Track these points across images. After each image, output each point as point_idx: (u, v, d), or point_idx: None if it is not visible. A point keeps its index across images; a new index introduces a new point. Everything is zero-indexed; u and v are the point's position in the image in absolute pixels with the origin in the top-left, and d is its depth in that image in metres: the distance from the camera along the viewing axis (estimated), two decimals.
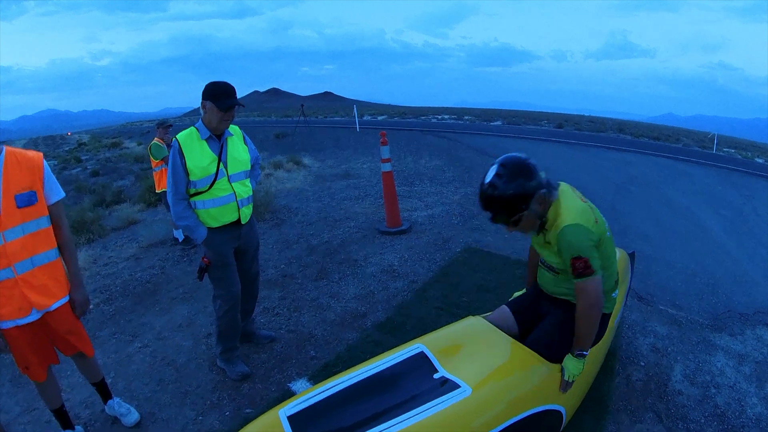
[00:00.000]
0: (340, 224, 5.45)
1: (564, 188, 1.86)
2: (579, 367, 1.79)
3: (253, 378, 2.73)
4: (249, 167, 2.65)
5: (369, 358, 1.89)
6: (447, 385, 1.61)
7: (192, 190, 2.43)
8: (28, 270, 1.83)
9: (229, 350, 2.76)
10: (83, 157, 17.23)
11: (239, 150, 2.58)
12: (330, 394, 1.65)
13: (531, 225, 1.81)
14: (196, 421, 2.40)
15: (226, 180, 2.47)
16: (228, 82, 2.44)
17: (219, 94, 2.35)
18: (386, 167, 4.83)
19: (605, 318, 1.98)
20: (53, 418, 2.23)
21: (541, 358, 1.80)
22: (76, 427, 2.30)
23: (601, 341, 2.12)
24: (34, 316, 1.88)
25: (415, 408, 1.53)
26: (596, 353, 2.13)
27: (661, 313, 3.44)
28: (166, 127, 5.26)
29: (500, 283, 3.64)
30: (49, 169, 1.96)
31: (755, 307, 3.68)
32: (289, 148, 13.46)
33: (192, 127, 2.46)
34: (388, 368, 1.73)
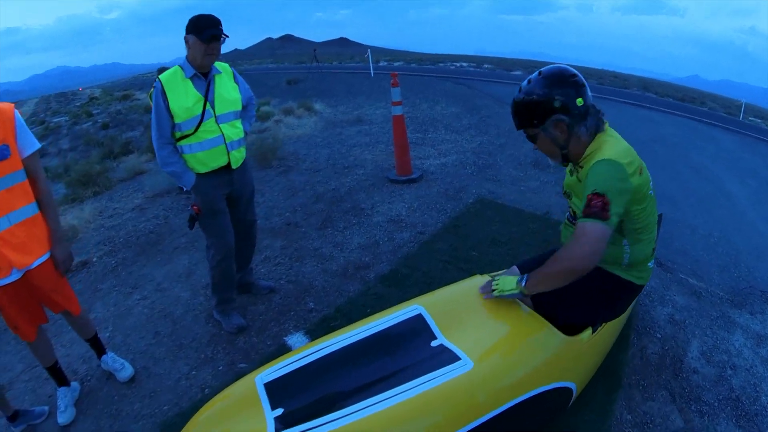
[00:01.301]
0: (349, 172, 5.17)
1: (611, 130, 1.57)
2: (512, 287, 1.52)
3: (249, 331, 2.61)
4: (239, 107, 2.39)
5: (365, 317, 1.69)
6: (445, 356, 1.39)
7: (177, 134, 2.22)
8: (5, 228, 1.70)
9: (225, 302, 2.63)
10: (94, 111, 17.10)
11: (228, 88, 2.32)
12: (313, 359, 1.46)
13: (548, 150, 1.58)
14: (189, 376, 2.31)
15: (213, 121, 2.24)
16: (213, 15, 2.16)
17: (201, 26, 2.10)
18: (397, 110, 4.44)
19: (634, 289, 1.69)
20: None
21: (554, 329, 1.54)
22: (72, 383, 2.24)
23: (621, 316, 1.88)
24: (15, 276, 1.77)
25: (406, 382, 1.32)
26: (614, 327, 1.89)
27: (681, 282, 3.18)
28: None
29: (513, 237, 3.37)
30: (21, 120, 1.79)
31: None
32: (300, 94, 12.94)
33: (176, 66, 2.21)
34: (379, 332, 1.52)
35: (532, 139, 1.59)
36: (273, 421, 1.26)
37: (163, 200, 4.87)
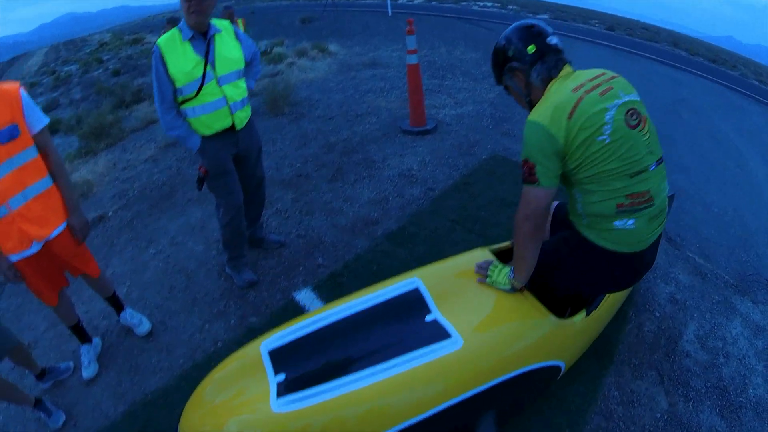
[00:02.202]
0: (362, 120, 5.01)
1: (566, 73, 1.46)
2: (504, 282, 1.53)
3: (260, 285, 2.67)
4: (242, 66, 2.28)
5: (372, 276, 1.70)
6: (437, 332, 1.39)
7: (179, 98, 2.15)
8: (21, 204, 1.75)
9: (236, 258, 2.67)
10: (105, 58, 16.75)
11: (229, 47, 2.20)
12: (315, 329, 1.48)
13: (519, 101, 1.63)
14: (202, 330, 2.41)
15: (214, 83, 2.15)
16: None
17: None
18: (412, 59, 4.17)
19: (612, 258, 1.47)
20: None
21: (546, 311, 1.51)
22: (93, 339, 2.37)
23: (615, 297, 1.83)
24: (35, 248, 1.85)
25: (399, 355, 1.34)
26: (611, 306, 1.85)
27: (688, 260, 3.07)
28: (175, 22, 4.72)
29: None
30: (28, 98, 1.79)
31: None
32: (315, 33, 12.35)
33: (174, 29, 2.10)
34: (377, 305, 1.52)
35: (507, 91, 1.64)
36: (275, 386, 1.31)
37: (175, 150, 4.86)
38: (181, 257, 3.03)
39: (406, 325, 1.44)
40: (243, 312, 2.51)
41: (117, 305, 2.43)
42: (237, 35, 2.29)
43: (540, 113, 1.37)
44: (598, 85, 1.39)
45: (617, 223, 1.41)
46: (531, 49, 1.45)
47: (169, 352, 2.30)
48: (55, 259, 1.96)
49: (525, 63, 1.46)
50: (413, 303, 1.50)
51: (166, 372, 2.18)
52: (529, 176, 1.37)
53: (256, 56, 2.44)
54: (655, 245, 1.54)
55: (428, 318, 1.45)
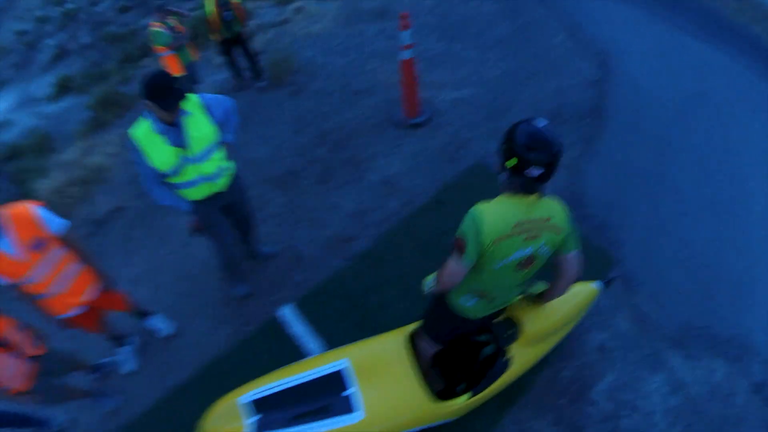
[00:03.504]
0: (359, 99, 5.10)
1: (529, 201, 1.68)
2: (430, 285, 1.97)
3: (254, 296, 3.22)
4: (216, 138, 2.47)
5: (310, 359, 2.22)
6: (347, 405, 1.94)
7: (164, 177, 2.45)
8: (61, 288, 2.43)
9: (231, 277, 3.18)
10: None
11: (200, 127, 2.37)
12: (274, 391, 2.08)
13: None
14: (209, 335, 3.05)
15: (192, 167, 2.43)
16: (161, 71, 2.20)
17: (158, 96, 2.13)
18: (406, 55, 4.15)
19: (454, 318, 1.98)
20: None
21: (430, 396, 2.01)
22: (131, 337, 3.10)
23: (532, 350, 2.23)
24: (75, 312, 2.56)
25: (315, 421, 1.92)
26: (519, 366, 2.25)
27: (635, 307, 3.20)
28: (167, 12, 4.71)
29: None
30: (43, 213, 2.28)
31: (734, 333, 3.19)
32: None
33: (145, 120, 2.29)
34: (314, 378, 2.06)
35: None
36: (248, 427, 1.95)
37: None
38: (189, 261, 3.56)
39: (330, 397, 2.01)
40: (240, 321, 3.10)
41: (142, 314, 3.07)
42: (206, 108, 2.41)
43: (488, 214, 1.64)
44: (532, 230, 1.67)
45: (470, 303, 1.93)
46: (512, 162, 1.59)
47: (189, 348, 3.00)
48: (93, 309, 2.65)
49: (503, 162, 1.65)
50: (337, 380, 2.04)
51: (187, 366, 2.92)
52: (458, 249, 1.68)
53: (230, 111, 2.59)
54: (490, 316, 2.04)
55: (344, 394, 2.00)
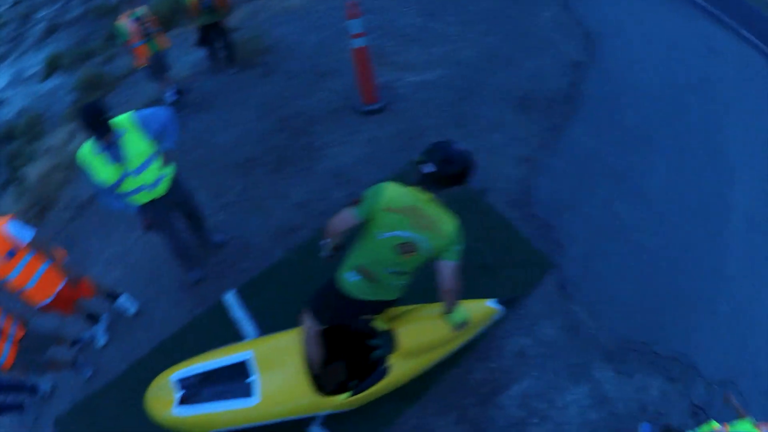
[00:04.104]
0: (324, 81, 5.21)
1: (424, 197, 2.05)
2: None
3: (206, 280, 3.59)
4: (152, 150, 2.84)
5: (232, 344, 2.59)
6: (247, 391, 2.31)
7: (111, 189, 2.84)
8: (33, 285, 2.97)
9: (185, 264, 3.55)
10: None
11: (136, 143, 2.75)
12: (202, 371, 2.48)
13: None
14: (169, 316, 3.47)
15: (131, 179, 2.81)
16: (94, 103, 2.62)
17: (89, 126, 2.57)
18: (359, 43, 4.21)
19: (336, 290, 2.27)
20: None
21: (312, 390, 2.34)
22: (101, 315, 3.56)
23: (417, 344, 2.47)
24: (48, 300, 3.06)
25: (222, 401, 2.32)
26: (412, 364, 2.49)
27: (568, 315, 3.11)
28: (130, 1, 4.83)
29: None
30: (12, 228, 2.80)
31: (679, 352, 3.12)
32: None
33: (87, 142, 2.70)
34: (225, 366, 2.46)
35: None
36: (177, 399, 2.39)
37: None
38: (153, 245, 3.91)
39: (236, 382, 2.39)
40: (193, 303, 3.50)
41: (113, 296, 3.51)
42: (140, 125, 2.76)
43: (390, 188, 2.04)
44: (418, 221, 2.00)
45: (347, 275, 2.21)
46: (418, 158, 2.01)
47: (152, 325, 3.45)
48: (63, 297, 3.11)
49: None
50: (244, 368, 2.41)
51: (148, 342, 3.36)
52: (354, 203, 2.06)
53: (168, 120, 2.92)
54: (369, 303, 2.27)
55: (247, 381, 2.37)
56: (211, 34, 5.39)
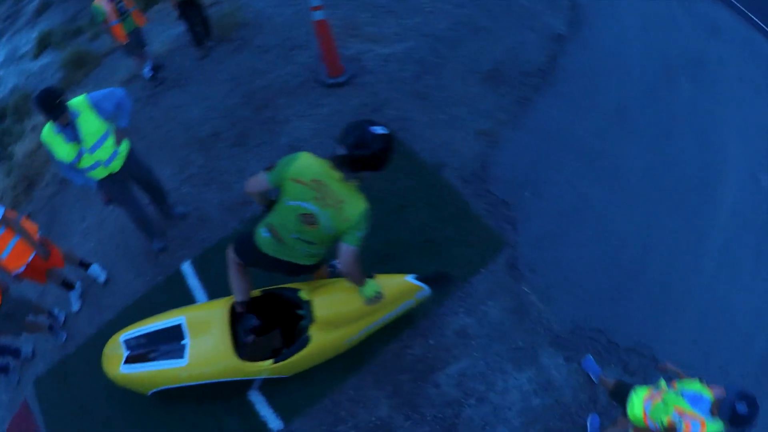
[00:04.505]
0: (295, 55, 5.24)
1: (334, 174, 2.08)
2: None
3: (168, 250, 3.81)
4: (106, 128, 3.07)
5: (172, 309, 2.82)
6: (179, 353, 2.53)
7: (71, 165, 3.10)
8: (7, 254, 3.24)
9: (148, 235, 3.79)
10: None
11: (90, 123, 2.98)
12: (146, 332, 2.75)
13: None
14: (134, 281, 3.75)
15: (88, 156, 3.04)
16: (47, 88, 2.84)
17: (43, 110, 2.79)
18: (318, 15, 4.23)
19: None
20: None
21: (234, 355, 2.52)
22: (75, 283, 3.84)
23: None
24: (22, 269, 3.33)
25: (157, 360, 2.55)
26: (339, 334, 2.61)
27: (518, 295, 3.00)
28: None
29: (381, 195, 3.57)
30: None
31: (638, 342, 2.98)
32: None
33: (47, 124, 2.94)
34: (164, 329, 2.69)
35: None
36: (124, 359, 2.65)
37: (133, 88, 5.56)
38: (124, 217, 4.13)
39: (169, 342, 2.63)
40: (155, 271, 3.74)
41: (84, 265, 3.80)
42: (93, 107, 2.97)
43: (301, 159, 2.11)
44: (323, 197, 2.06)
45: (261, 230, 2.36)
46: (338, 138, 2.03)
47: (120, 292, 3.72)
48: (36, 267, 3.40)
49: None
50: (177, 331, 2.64)
51: (116, 307, 3.63)
52: (269, 168, 2.17)
53: (121, 99, 3.13)
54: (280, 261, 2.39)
55: (181, 342, 2.59)
56: (188, 10, 5.44)
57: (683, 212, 4.03)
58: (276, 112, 4.60)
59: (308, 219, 2.13)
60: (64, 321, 3.79)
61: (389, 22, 5.55)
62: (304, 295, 2.63)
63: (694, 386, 2.17)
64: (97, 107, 3.01)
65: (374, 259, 3.22)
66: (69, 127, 2.92)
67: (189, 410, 2.95)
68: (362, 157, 1.93)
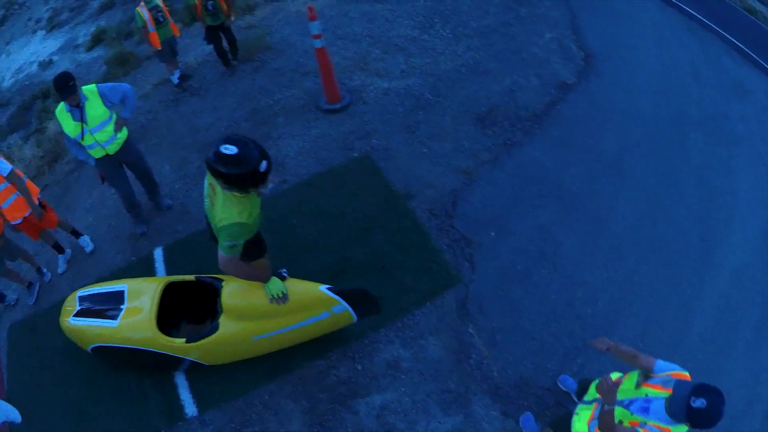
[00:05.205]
0: (304, 81, 5.78)
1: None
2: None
3: (148, 234, 4.30)
4: (108, 116, 3.63)
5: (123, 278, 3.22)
6: (114, 315, 2.93)
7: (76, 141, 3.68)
8: (8, 205, 3.73)
9: (134, 217, 4.30)
10: None
11: (95, 108, 3.57)
12: (101, 292, 3.20)
13: None
14: (115, 257, 4.25)
15: (89, 135, 3.61)
16: (64, 72, 3.47)
17: (57, 90, 3.39)
18: (318, 43, 4.77)
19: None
20: None
21: (154, 327, 2.89)
22: (66, 250, 4.39)
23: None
24: (19, 221, 3.84)
25: (98, 318, 3.00)
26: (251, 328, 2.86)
27: (461, 336, 2.96)
28: None
29: (348, 215, 3.93)
30: None
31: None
32: None
33: (61, 103, 3.53)
34: (109, 292, 3.15)
35: None
36: (76, 311, 3.10)
37: (160, 91, 6.30)
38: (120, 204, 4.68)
39: (112, 305, 3.07)
40: (132, 252, 4.23)
41: (76, 234, 4.34)
42: (101, 96, 3.56)
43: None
44: (210, 198, 2.47)
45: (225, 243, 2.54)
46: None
47: (99, 263, 4.23)
48: (31, 222, 3.90)
49: None
50: (119, 296, 3.11)
51: (93, 277, 4.10)
52: None
53: (127, 94, 3.70)
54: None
55: (121, 306, 3.03)
56: (216, 33, 6.03)
57: (672, 271, 3.78)
58: (272, 129, 5.12)
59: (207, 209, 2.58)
60: (48, 282, 4.29)
61: (398, 60, 6.05)
62: (223, 285, 2.94)
63: (639, 393, 1.95)
64: (104, 96, 3.59)
65: (326, 272, 3.57)
66: (78, 108, 3.50)
67: (123, 379, 3.33)
68: (217, 172, 2.09)
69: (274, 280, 2.59)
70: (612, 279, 3.55)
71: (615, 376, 2.13)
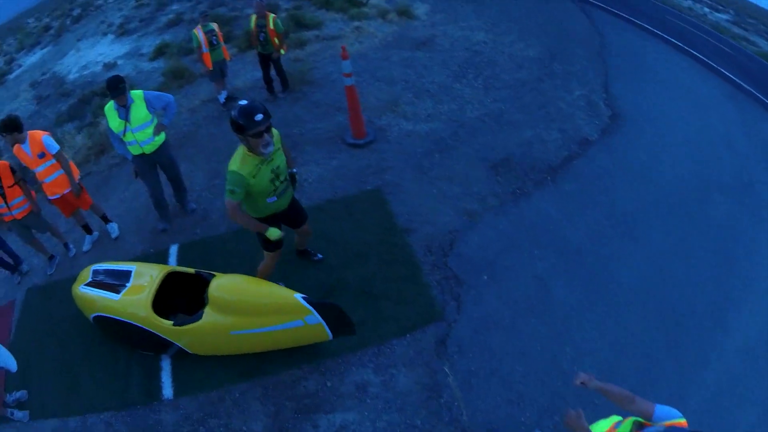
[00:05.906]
0: (335, 115, 6.35)
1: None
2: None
3: (169, 231, 4.78)
4: (149, 119, 4.21)
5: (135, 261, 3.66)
6: (118, 290, 3.44)
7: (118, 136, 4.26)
8: (50, 180, 4.31)
9: (160, 214, 4.81)
10: None
11: (139, 110, 4.16)
12: (113, 269, 3.68)
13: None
14: (136, 245, 4.75)
15: (130, 133, 4.18)
16: (116, 75, 4.06)
17: (109, 90, 4.00)
18: (348, 81, 5.32)
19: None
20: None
21: (149, 307, 3.28)
22: (93, 232, 4.94)
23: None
24: (58, 195, 4.36)
25: (104, 291, 3.44)
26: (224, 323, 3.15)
27: (435, 374, 2.99)
28: (205, 16, 6.63)
29: (349, 241, 4.23)
30: (45, 139, 4.18)
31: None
32: None
33: (110, 101, 4.12)
34: (119, 270, 3.64)
35: None
36: (89, 281, 3.56)
37: (207, 107, 7.01)
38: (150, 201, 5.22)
39: (119, 282, 3.52)
40: (151, 244, 4.70)
41: (105, 219, 4.91)
42: (146, 100, 4.14)
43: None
44: None
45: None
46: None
47: (121, 249, 4.73)
48: (67, 200, 4.45)
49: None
50: (128, 275, 3.55)
51: (114, 259, 4.50)
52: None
53: (169, 103, 4.28)
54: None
55: (126, 284, 3.47)
56: (266, 61, 6.75)
57: (676, 336, 3.65)
58: (299, 154, 5.63)
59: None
60: (72, 257, 4.81)
61: (427, 104, 6.57)
62: (213, 279, 3.30)
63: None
64: (148, 102, 4.18)
65: (315, 287, 3.87)
66: (124, 108, 4.07)
67: (115, 354, 3.69)
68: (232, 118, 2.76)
69: (273, 228, 3.05)
70: (604, 339, 3.46)
71: (614, 420, 2.03)
